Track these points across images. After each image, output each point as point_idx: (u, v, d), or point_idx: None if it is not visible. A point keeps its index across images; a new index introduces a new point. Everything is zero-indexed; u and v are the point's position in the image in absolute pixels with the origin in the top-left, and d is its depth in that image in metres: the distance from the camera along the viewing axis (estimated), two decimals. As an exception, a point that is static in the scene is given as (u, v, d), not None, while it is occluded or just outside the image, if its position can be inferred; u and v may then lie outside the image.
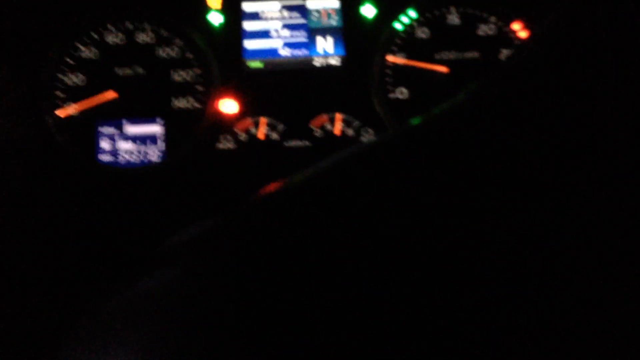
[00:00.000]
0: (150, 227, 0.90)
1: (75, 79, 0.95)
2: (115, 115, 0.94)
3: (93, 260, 0.88)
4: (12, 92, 0.92)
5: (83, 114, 0.94)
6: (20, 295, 0.83)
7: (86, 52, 0.96)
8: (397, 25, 0.96)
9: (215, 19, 0.97)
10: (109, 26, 0.96)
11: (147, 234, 0.89)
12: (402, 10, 0.97)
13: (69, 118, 0.94)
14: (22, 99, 0.93)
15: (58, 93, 0.94)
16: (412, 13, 0.97)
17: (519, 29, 0.96)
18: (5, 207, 0.88)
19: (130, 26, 0.96)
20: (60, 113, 0.94)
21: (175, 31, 0.96)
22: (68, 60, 0.95)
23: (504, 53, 0.95)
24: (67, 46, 0.95)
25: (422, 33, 0.96)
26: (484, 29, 0.96)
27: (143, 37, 0.96)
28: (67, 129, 0.94)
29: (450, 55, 0.95)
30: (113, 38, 0.96)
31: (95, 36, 0.96)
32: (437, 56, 0.95)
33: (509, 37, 0.95)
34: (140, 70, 0.95)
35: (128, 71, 0.95)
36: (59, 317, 0.82)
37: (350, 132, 0.93)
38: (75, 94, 0.94)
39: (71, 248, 0.90)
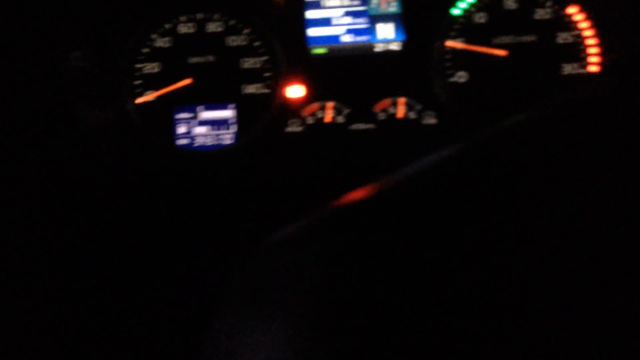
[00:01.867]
0: (225, 208, 0.96)
1: (151, 67, 1.01)
2: (190, 101, 1.00)
3: (173, 240, 0.95)
4: (95, 80, 0.99)
5: (160, 100, 1.00)
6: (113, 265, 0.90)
7: (161, 42, 1.01)
8: (455, 11, 1.00)
9: (280, 8, 1.02)
10: (181, 17, 1.01)
11: (222, 214, 0.95)
12: (459, -5, 1.00)
13: (147, 104, 1.00)
14: (104, 87, 0.99)
15: (136, 81, 1.00)
16: (470, -2, 1.00)
17: (575, 13, 0.99)
18: (90, 190, 0.95)
19: (201, 16, 1.02)
20: (139, 100, 1.00)
21: (243, 20, 1.01)
22: (145, 50, 1.01)
23: (561, 36, 0.98)
24: (143, 37, 1.01)
25: (480, 18, 1.00)
26: (540, 13, 0.99)
27: (213, 27, 1.02)
28: (146, 114, 1.00)
29: (508, 39, 0.99)
30: (185, 28, 1.02)
31: (169, 27, 1.02)
32: (495, 40, 0.99)
33: (565, 21, 0.99)
34: (211, 58, 1.01)
35: (200, 59, 1.00)
36: (142, 294, 0.89)
37: (412, 115, 0.98)
38: (152, 82, 1.00)
39: (151, 227, 0.97)
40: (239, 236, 0.91)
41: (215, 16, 1.02)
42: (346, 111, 0.98)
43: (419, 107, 0.98)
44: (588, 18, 0.98)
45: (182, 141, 0.99)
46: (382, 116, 0.98)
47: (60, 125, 0.94)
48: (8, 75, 0.90)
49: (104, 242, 0.92)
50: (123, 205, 0.96)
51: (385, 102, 0.98)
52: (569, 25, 0.99)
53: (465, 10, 1.00)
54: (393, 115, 0.98)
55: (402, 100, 0.98)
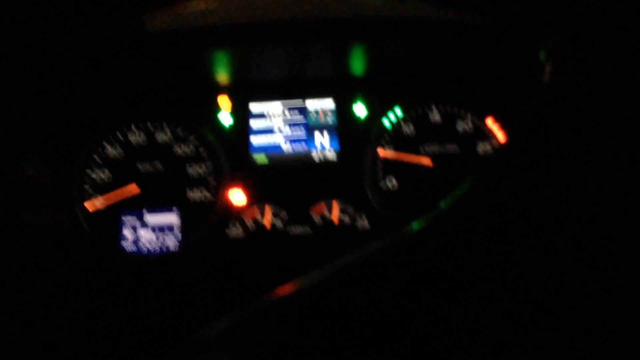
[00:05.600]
0: (169, 311, 1.00)
1: (101, 174, 1.07)
2: (136, 206, 1.05)
3: (115, 342, 0.97)
4: (47, 185, 1.04)
5: (108, 205, 1.05)
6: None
7: (111, 150, 1.08)
8: (386, 122, 1.10)
9: (226, 118, 1.10)
10: (132, 127, 1.09)
11: (166, 317, 0.99)
12: (389, 108, 1.10)
13: (95, 210, 1.05)
14: (55, 192, 1.04)
15: (86, 187, 1.06)
16: (398, 111, 1.10)
17: (491, 123, 1.09)
18: (35, 290, 0.98)
19: (150, 126, 1.09)
20: (88, 205, 1.05)
21: (190, 130, 1.09)
22: (95, 157, 1.07)
23: (481, 146, 1.08)
24: (95, 145, 1.07)
25: (408, 129, 1.10)
26: (461, 125, 1.09)
27: (162, 136, 1.09)
28: (94, 219, 1.05)
29: (434, 147, 1.08)
30: (135, 137, 1.09)
31: (120, 136, 1.09)
32: (422, 149, 1.08)
33: (483, 132, 1.09)
34: (159, 165, 1.07)
35: (149, 167, 1.07)
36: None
37: (346, 219, 1.05)
38: (101, 188, 1.06)
39: (94, 330, 0.99)
40: (178, 338, 0.94)
41: (164, 126, 1.09)
42: (284, 215, 1.05)
43: (351, 210, 1.05)
44: (503, 127, 1.08)
45: (128, 246, 1.04)
46: (318, 220, 1.04)
47: (4, 230, 0.98)
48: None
49: (49, 347, 0.94)
50: (68, 308, 0.99)
51: (321, 206, 1.05)
52: (487, 135, 1.09)
53: (395, 123, 1.09)
54: (328, 219, 1.04)
55: (336, 204, 1.05)
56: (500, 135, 1.08)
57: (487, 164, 0.44)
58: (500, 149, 1.06)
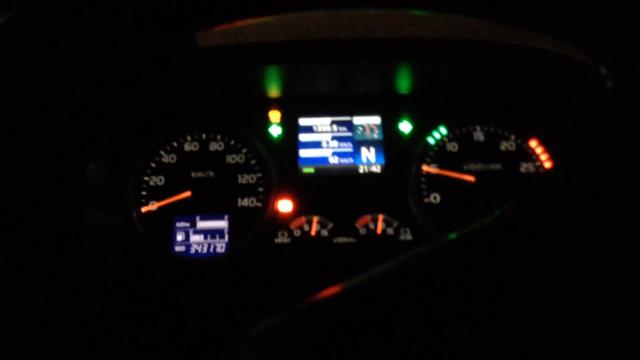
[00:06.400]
0: (214, 311, 1.03)
1: (157, 180, 1.12)
2: (189, 211, 1.10)
3: (165, 339, 1.01)
4: (107, 189, 1.10)
5: (162, 210, 1.10)
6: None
7: (167, 158, 1.14)
8: (430, 140, 1.13)
9: (275, 131, 1.15)
10: (187, 136, 1.15)
11: (211, 317, 1.02)
12: (434, 127, 1.14)
13: (150, 213, 1.11)
14: (113, 196, 1.10)
15: (142, 192, 1.11)
16: (443, 130, 1.14)
17: (535, 146, 1.12)
18: (91, 290, 1.03)
19: (204, 136, 1.15)
20: (143, 209, 1.11)
21: (242, 141, 1.14)
22: (152, 164, 1.13)
23: (524, 166, 1.10)
24: (152, 153, 1.13)
25: (452, 147, 1.13)
26: (505, 145, 1.12)
27: (215, 146, 1.14)
28: (148, 222, 1.10)
29: (477, 166, 1.11)
30: (189, 146, 1.14)
31: (175, 144, 1.14)
32: (465, 167, 1.11)
33: (527, 153, 1.11)
34: (211, 173, 1.12)
35: (201, 174, 1.12)
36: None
37: (390, 231, 1.08)
38: (156, 193, 1.11)
39: (145, 328, 1.04)
40: (223, 339, 0.98)
41: (218, 137, 1.15)
42: (330, 225, 1.08)
43: (396, 223, 1.08)
44: (547, 150, 1.11)
45: (180, 248, 1.09)
46: (362, 231, 1.08)
47: (68, 227, 1.04)
48: (30, 178, 1.01)
49: (100, 341, 0.98)
50: (121, 306, 1.04)
51: (366, 218, 1.08)
52: (530, 156, 1.11)
53: (439, 140, 1.13)
54: (373, 230, 1.08)
55: (381, 217, 1.08)
56: (544, 157, 1.10)
57: (540, 180, 0.43)
58: (557, 163, 1.08)
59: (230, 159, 1.13)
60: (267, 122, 1.15)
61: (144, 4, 0.53)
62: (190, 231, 1.09)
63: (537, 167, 1.10)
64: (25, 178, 0.95)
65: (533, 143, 1.11)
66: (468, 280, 0.39)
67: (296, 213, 1.09)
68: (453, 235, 0.46)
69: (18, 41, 0.52)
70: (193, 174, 1.12)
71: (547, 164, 1.10)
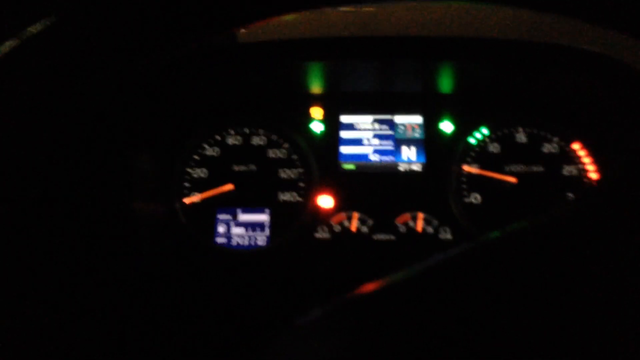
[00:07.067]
0: (255, 303, 1.05)
1: (200, 172, 1.14)
2: (231, 204, 1.12)
3: (205, 329, 1.03)
4: (151, 180, 1.12)
5: (204, 202, 1.12)
6: None
7: (210, 151, 1.16)
8: (472, 140, 1.13)
9: (317, 127, 1.16)
10: (230, 130, 1.16)
11: (252, 309, 1.04)
12: (476, 127, 1.14)
13: (193, 205, 1.13)
14: (157, 186, 1.13)
15: (186, 184, 1.14)
16: (485, 130, 1.14)
17: (579, 149, 1.11)
18: (137, 277, 1.05)
19: (247, 131, 1.17)
20: (186, 200, 1.13)
21: (284, 136, 1.16)
22: (195, 157, 1.15)
23: (566, 169, 1.10)
24: (196, 146, 1.15)
25: (494, 147, 1.13)
26: (547, 147, 1.12)
27: (257, 140, 1.16)
28: (191, 213, 1.12)
29: (518, 168, 1.11)
30: (232, 140, 1.16)
31: (218, 138, 1.16)
32: (507, 168, 1.11)
33: (569, 155, 1.11)
34: (253, 167, 1.14)
35: (243, 168, 1.14)
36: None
37: (429, 229, 1.08)
38: (199, 185, 1.13)
39: (186, 317, 1.06)
40: (260, 330, 0.99)
41: (260, 131, 1.16)
42: (370, 222, 1.09)
43: (436, 222, 1.08)
44: (590, 153, 1.10)
45: (221, 240, 1.10)
46: (402, 229, 1.08)
47: (116, 214, 1.06)
48: (83, 167, 1.04)
49: (144, 327, 1.01)
50: (163, 295, 1.06)
51: (406, 216, 1.09)
52: (573, 159, 1.11)
53: (481, 140, 1.13)
54: (412, 228, 1.08)
55: (421, 215, 1.09)
56: (587, 161, 1.10)
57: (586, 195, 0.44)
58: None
59: (272, 153, 1.15)
60: (309, 118, 1.17)
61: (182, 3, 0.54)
62: (232, 223, 1.11)
63: (579, 170, 1.10)
64: (79, 167, 0.97)
65: (576, 146, 1.11)
66: (510, 281, 0.40)
67: (337, 209, 1.10)
68: (496, 234, 0.46)
69: (67, 41, 0.54)
70: (235, 168, 1.14)
71: (590, 167, 1.09)
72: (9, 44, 0.51)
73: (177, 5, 0.54)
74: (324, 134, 1.15)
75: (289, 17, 0.59)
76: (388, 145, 1.15)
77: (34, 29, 0.52)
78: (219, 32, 0.58)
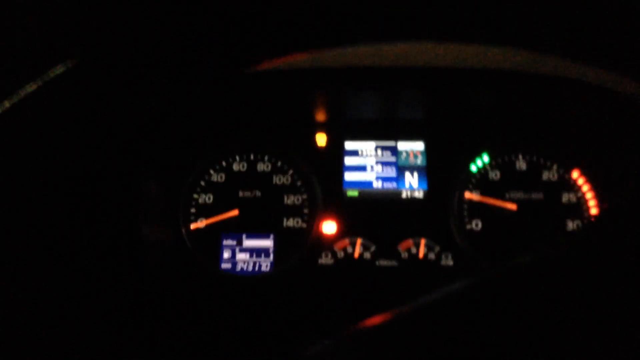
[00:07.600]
0: (259, 328, 1.06)
1: (205, 198, 1.16)
2: (236, 229, 1.14)
3: (211, 354, 1.04)
4: (159, 205, 1.14)
5: (210, 227, 1.14)
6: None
7: (216, 177, 1.18)
8: (473, 167, 1.16)
9: (322, 154, 1.19)
10: (236, 156, 1.19)
11: (256, 333, 1.05)
12: (477, 154, 1.16)
13: (199, 230, 1.14)
14: (164, 211, 1.15)
15: (192, 209, 1.15)
16: (486, 157, 1.16)
17: (577, 177, 1.13)
18: (143, 300, 1.07)
19: (252, 157, 1.19)
20: (192, 226, 1.14)
21: (289, 162, 1.18)
22: (201, 182, 1.17)
23: (565, 196, 1.12)
24: (202, 172, 1.18)
25: (494, 175, 1.15)
26: (547, 174, 1.14)
27: (262, 166, 1.18)
28: (196, 238, 1.14)
29: (518, 194, 1.13)
30: (238, 166, 1.18)
31: (224, 164, 1.18)
32: (507, 195, 1.13)
33: (569, 183, 1.13)
34: (258, 193, 1.16)
35: (248, 193, 1.16)
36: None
37: (432, 255, 1.10)
38: (204, 211, 1.15)
39: (189, 341, 1.07)
40: (264, 356, 1.00)
41: (265, 157, 1.18)
42: (373, 248, 1.11)
43: (437, 248, 1.10)
44: (589, 181, 1.12)
45: (226, 265, 1.12)
46: (405, 255, 1.10)
47: (125, 239, 1.08)
48: (94, 191, 1.06)
49: (149, 350, 1.02)
50: (168, 319, 1.07)
51: (408, 242, 1.11)
52: (572, 187, 1.13)
53: (481, 168, 1.15)
54: (415, 254, 1.10)
55: (423, 241, 1.10)
56: (586, 188, 1.12)
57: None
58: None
59: (277, 179, 1.17)
60: (314, 145, 1.19)
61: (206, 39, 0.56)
62: (237, 249, 1.13)
63: (578, 198, 1.12)
64: (90, 192, 0.99)
65: (575, 174, 1.13)
66: (513, 315, 0.41)
67: (340, 235, 1.12)
68: (496, 269, 0.47)
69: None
70: (241, 193, 1.16)
71: (589, 195, 1.11)
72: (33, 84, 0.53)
73: (187, 51, 0.56)
74: (328, 161, 1.18)
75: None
76: (391, 172, 1.17)
77: (54, 71, 0.54)
78: (233, 70, 0.60)
